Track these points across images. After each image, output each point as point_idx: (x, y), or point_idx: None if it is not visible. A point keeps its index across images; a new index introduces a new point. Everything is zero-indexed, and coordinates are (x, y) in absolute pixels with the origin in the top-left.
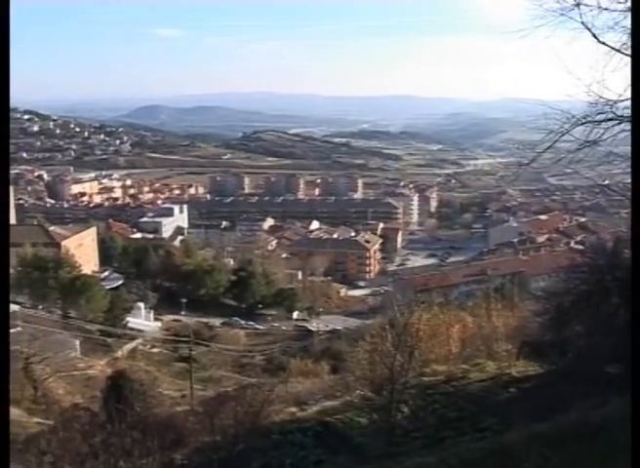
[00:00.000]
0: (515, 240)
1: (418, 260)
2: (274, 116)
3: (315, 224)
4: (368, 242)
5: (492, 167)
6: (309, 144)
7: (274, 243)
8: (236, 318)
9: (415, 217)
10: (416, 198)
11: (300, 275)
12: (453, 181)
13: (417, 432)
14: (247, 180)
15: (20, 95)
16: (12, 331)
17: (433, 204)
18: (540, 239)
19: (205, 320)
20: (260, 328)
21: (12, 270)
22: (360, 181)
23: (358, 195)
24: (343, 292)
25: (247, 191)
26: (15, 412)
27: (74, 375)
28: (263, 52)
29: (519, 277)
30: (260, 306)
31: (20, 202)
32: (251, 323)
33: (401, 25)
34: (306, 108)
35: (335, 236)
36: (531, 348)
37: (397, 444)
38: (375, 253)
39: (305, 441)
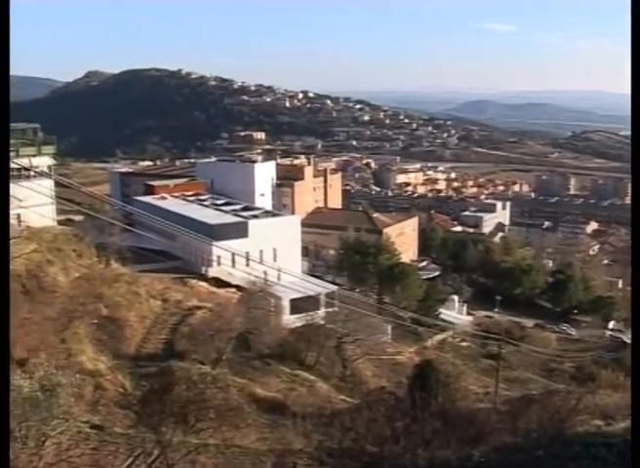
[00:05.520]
0: None
1: None
2: (605, 116)
3: None
4: None
5: None
6: None
7: (596, 248)
8: (566, 325)
9: None
10: None
11: (620, 283)
12: None
13: None
14: (573, 181)
15: (354, 85)
16: (328, 310)
17: None
18: None
19: (517, 319)
20: (573, 333)
21: (334, 252)
22: None
23: None
24: None
25: (572, 192)
26: (323, 387)
27: (382, 359)
28: (593, 49)
29: None
30: (575, 312)
31: (347, 188)
32: (564, 327)
33: None
34: None
35: None
36: None
37: None
38: None
39: (609, 457)
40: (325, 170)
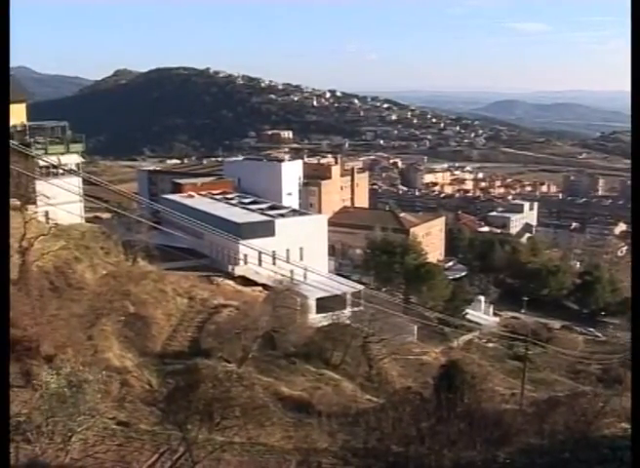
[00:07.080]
0: None
1: None
2: None
3: None
4: None
5: None
6: None
7: (624, 249)
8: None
9: None
10: None
11: None
12: None
13: None
14: (601, 182)
15: (382, 84)
16: (355, 309)
17: None
18: None
19: (544, 321)
20: (600, 335)
21: (360, 252)
22: None
23: None
24: None
25: (600, 193)
26: (348, 387)
27: (408, 359)
28: (623, 50)
29: None
30: (602, 313)
31: (374, 187)
32: (591, 329)
33: None
34: None
35: None
36: None
37: None
38: None
39: None
40: (352, 169)
